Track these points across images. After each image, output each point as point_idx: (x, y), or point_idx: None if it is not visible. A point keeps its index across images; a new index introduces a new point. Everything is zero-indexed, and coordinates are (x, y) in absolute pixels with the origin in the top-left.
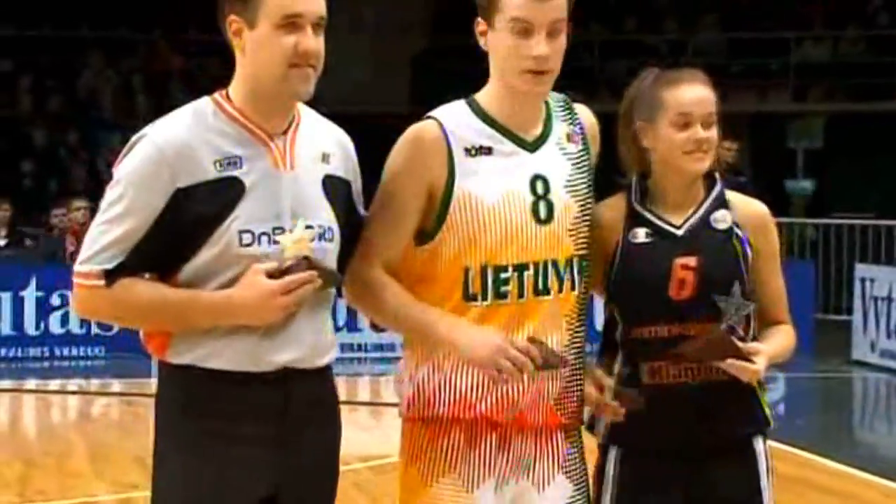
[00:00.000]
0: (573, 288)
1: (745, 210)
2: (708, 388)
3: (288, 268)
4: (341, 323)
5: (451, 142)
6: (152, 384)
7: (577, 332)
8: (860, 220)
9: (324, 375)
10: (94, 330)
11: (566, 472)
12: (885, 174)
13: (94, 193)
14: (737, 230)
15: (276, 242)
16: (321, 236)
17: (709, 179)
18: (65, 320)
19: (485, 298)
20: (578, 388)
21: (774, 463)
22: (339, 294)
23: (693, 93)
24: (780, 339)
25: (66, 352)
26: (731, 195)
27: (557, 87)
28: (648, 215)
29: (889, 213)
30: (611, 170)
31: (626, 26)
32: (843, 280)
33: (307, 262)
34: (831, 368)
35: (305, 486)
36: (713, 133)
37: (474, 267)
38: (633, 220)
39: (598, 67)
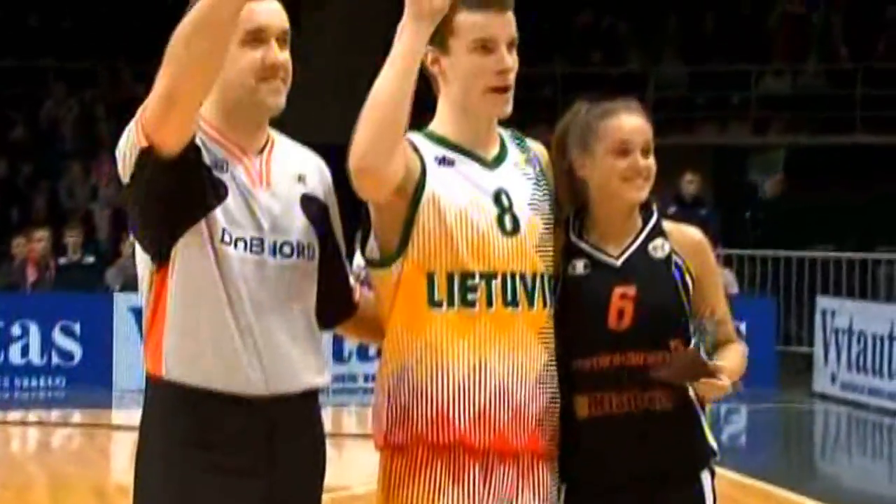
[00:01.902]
0: (545, 305)
1: (681, 237)
2: (650, 417)
3: None
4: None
5: (422, 150)
6: (112, 415)
7: (554, 352)
8: (821, 252)
9: (311, 401)
10: (55, 360)
11: None
12: (845, 207)
13: (55, 223)
14: (675, 258)
15: (254, 252)
16: (301, 253)
17: (645, 210)
18: (25, 351)
19: (451, 305)
20: (558, 410)
21: (734, 495)
22: (329, 325)
23: (632, 121)
24: (735, 357)
25: (25, 383)
26: (666, 224)
27: (521, 120)
28: (586, 247)
29: (850, 245)
30: None
31: (590, 59)
32: (805, 312)
33: None
34: (793, 400)
35: None
36: (651, 162)
37: (440, 272)
38: (571, 253)
39: (562, 100)
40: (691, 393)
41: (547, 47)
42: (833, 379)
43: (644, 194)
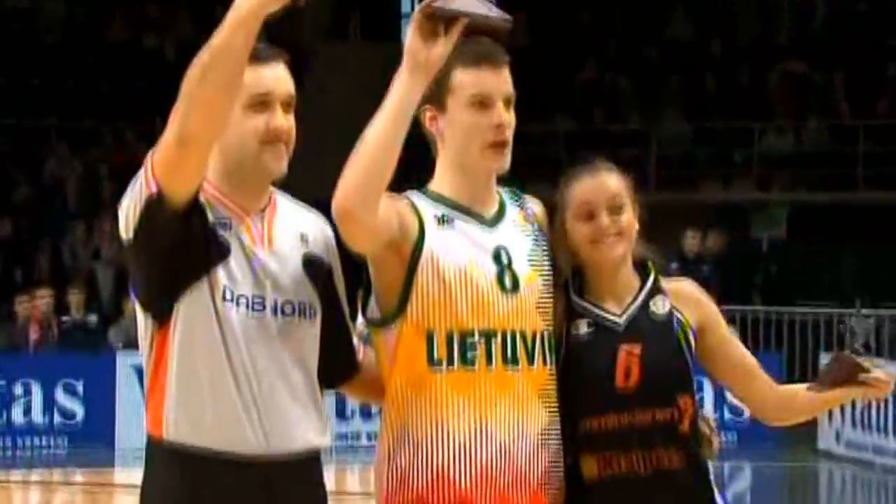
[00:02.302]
0: (545, 363)
1: (677, 291)
2: (660, 476)
3: None
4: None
5: (421, 209)
6: (115, 474)
7: (555, 412)
8: (824, 309)
9: (312, 461)
10: (57, 420)
11: None
12: (848, 264)
13: (58, 282)
14: (676, 314)
15: (256, 311)
16: (303, 312)
17: (643, 268)
18: (27, 410)
19: (451, 364)
20: (560, 470)
21: None
22: (332, 384)
23: (591, 183)
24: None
25: (28, 442)
26: (662, 281)
27: (524, 178)
28: (588, 307)
29: (853, 303)
30: None
31: (592, 116)
32: (809, 370)
33: None
34: (797, 459)
35: None
36: (623, 217)
37: (440, 331)
38: (574, 314)
39: (566, 158)
40: (704, 455)
41: (550, 105)
42: (838, 437)
43: (619, 251)
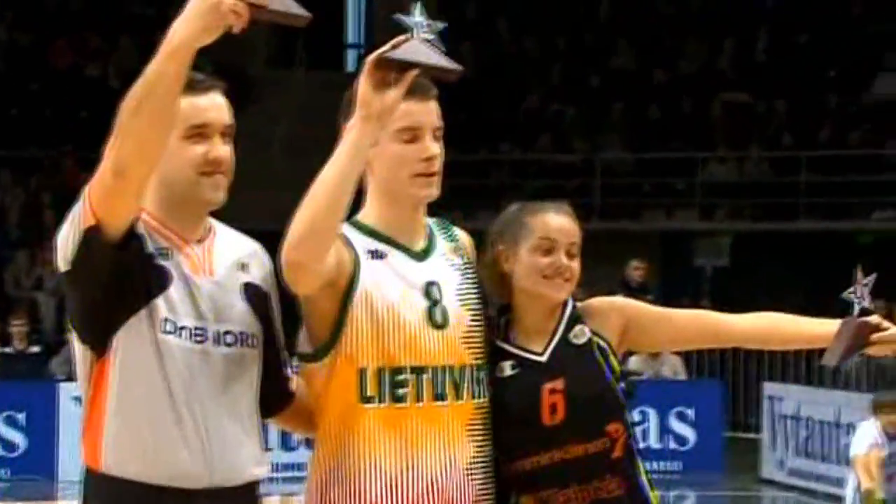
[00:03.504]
0: (473, 397)
1: (589, 312)
2: None
3: None
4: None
5: (354, 243)
6: None
7: (482, 444)
8: None
9: (251, 492)
10: None
11: None
12: (790, 292)
13: (0, 312)
14: (595, 339)
15: (197, 341)
16: (244, 342)
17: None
18: None
19: (381, 401)
20: (488, 501)
21: None
22: (267, 414)
23: (559, 221)
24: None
25: None
26: (578, 306)
27: (469, 206)
28: (511, 348)
29: None
30: None
31: (537, 145)
32: (752, 398)
33: None
34: (740, 487)
35: None
36: (576, 265)
37: (371, 368)
38: (497, 355)
39: (509, 186)
40: (641, 477)
41: (494, 133)
42: (781, 465)
43: (564, 295)
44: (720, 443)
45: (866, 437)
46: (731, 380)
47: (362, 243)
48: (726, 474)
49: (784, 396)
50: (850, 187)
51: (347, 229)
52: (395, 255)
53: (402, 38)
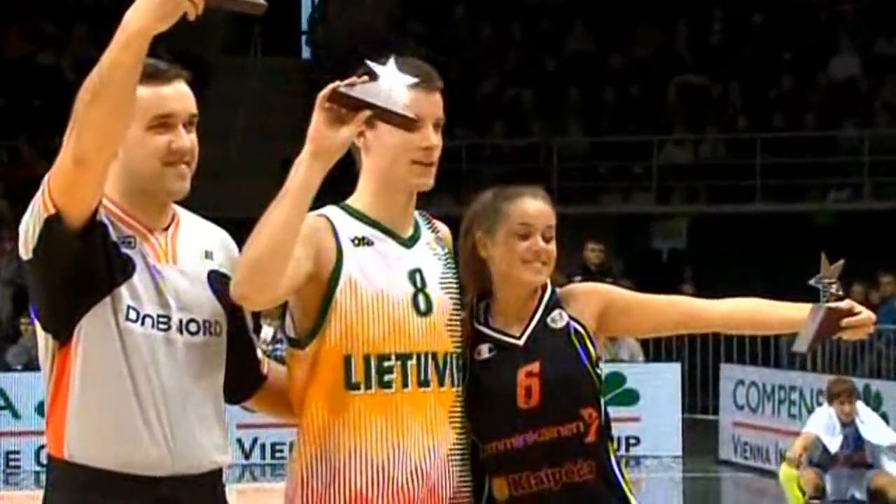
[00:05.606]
0: (454, 384)
1: (567, 297)
2: (572, 489)
3: None
4: None
5: (338, 231)
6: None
7: (462, 431)
8: None
9: (215, 479)
10: None
11: None
12: (747, 274)
13: None
14: (573, 324)
15: (161, 329)
16: (208, 330)
17: (542, 287)
18: None
19: (368, 387)
20: (468, 487)
21: None
22: (240, 398)
23: (535, 205)
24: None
25: None
26: (559, 292)
27: (426, 191)
28: (489, 332)
29: None
30: None
31: (494, 130)
32: (710, 380)
33: None
34: (699, 468)
35: None
36: (552, 247)
37: (356, 355)
38: (476, 338)
39: (466, 171)
40: (612, 461)
41: (450, 118)
42: (739, 446)
43: (542, 278)
44: (678, 425)
45: (820, 420)
46: (689, 361)
47: (350, 229)
48: (685, 456)
49: (742, 378)
50: (806, 169)
51: (337, 213)
52: (383, 242)
53: (364, 75)
